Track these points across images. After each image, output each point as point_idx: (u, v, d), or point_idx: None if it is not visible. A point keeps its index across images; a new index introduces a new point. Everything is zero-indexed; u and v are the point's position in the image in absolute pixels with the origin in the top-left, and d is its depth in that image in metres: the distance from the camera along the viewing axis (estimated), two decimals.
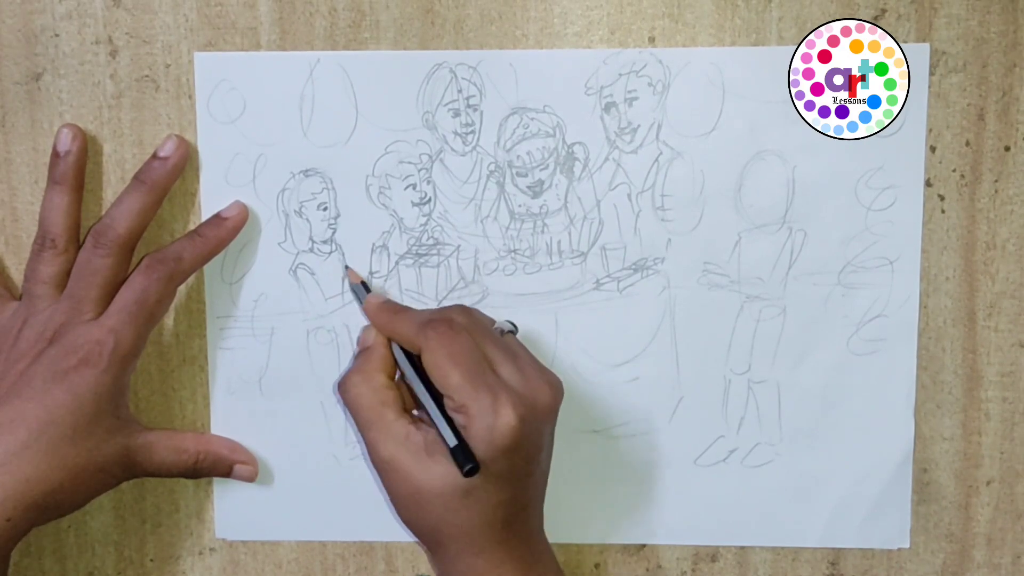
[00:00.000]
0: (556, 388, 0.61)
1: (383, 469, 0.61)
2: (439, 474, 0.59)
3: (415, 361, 0.62)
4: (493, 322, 0.65)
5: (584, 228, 0.67)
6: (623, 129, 0.66)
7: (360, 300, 0.67)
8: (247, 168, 0.67)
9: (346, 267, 0.68)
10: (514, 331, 0.65)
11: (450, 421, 0.60)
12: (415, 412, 0.64)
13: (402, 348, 0.64)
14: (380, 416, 0.62)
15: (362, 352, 0.65)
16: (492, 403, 0.58)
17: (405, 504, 0.61)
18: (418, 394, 0.62)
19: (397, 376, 0.65)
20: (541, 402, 0.60)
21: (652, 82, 0.66)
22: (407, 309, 0.65)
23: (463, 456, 0.58)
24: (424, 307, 0.68)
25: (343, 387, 0.64)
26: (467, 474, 0.58)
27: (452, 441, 0.59)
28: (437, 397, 0.61)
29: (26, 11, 0.66)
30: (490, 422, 0.58)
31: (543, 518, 0.65)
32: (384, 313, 0.65)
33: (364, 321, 0.67)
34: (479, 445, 0.58)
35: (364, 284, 0.67)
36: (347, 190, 0.67)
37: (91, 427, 0.62)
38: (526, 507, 0.62)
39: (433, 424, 0.60)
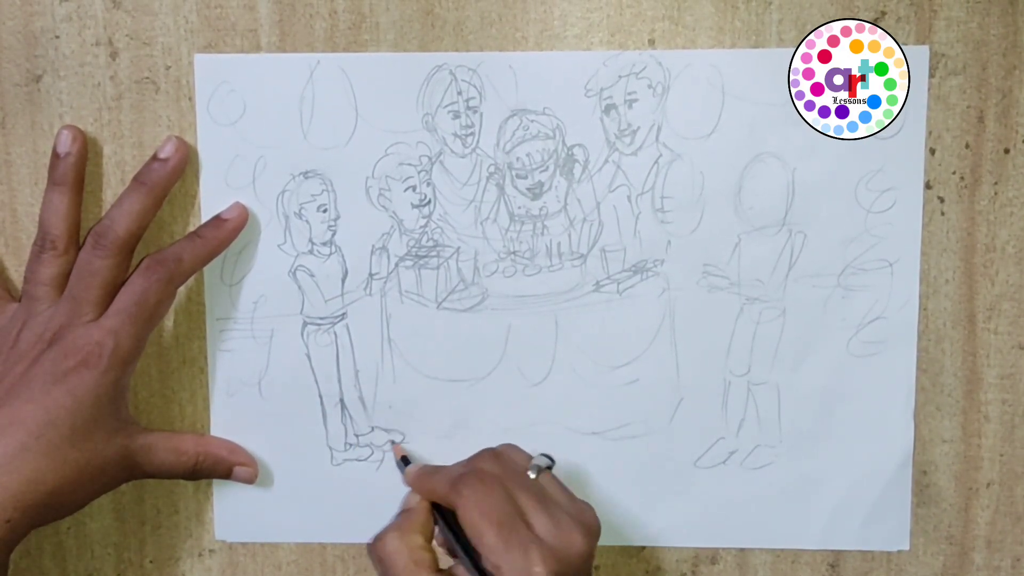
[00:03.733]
0: (591, 532, 0.61)
1: None
2: None
3: (455, 521, 0.62)
4: (529, 458, 0.64)
5: (584, 230, 0.67)
6: (623, 131, 0.66)
7: (401, 471, 0.67)
8: (247, 170, 0.67)
9: (391, 441, 0.69)
10: (550, 466, 0.64)
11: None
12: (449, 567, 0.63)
13: (442, 510, 0.63)
14: (414, 575, 0.61)
15: (402, 513, 0.65)
16: (524, 563, 0.58)
17: None
18: (458, 552, 0.61)
19: (434, 541, 0.64)
20: (575, 551, 0.59)
21: (652, 84, 0.66)
22: (443, 468, 0.65)
23: None
24: (424, 309, 0.68)
25: (380, 542, 0.62)
26: None
27: None
28: (475, 553, 0.60)
29: (26, 13, 0.66)
30: None
31: None
32: (422, 477, 0.65)
33: (366, 333, 0.68)
34: None
35: (405, 458, 0.68)
36: (347, 192, 0.67)
37: (91, 428, 0.62)
38: None
39: None
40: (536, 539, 0.59)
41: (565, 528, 0.60)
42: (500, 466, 0.62)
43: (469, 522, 0.60)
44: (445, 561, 0.63)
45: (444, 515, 0.63)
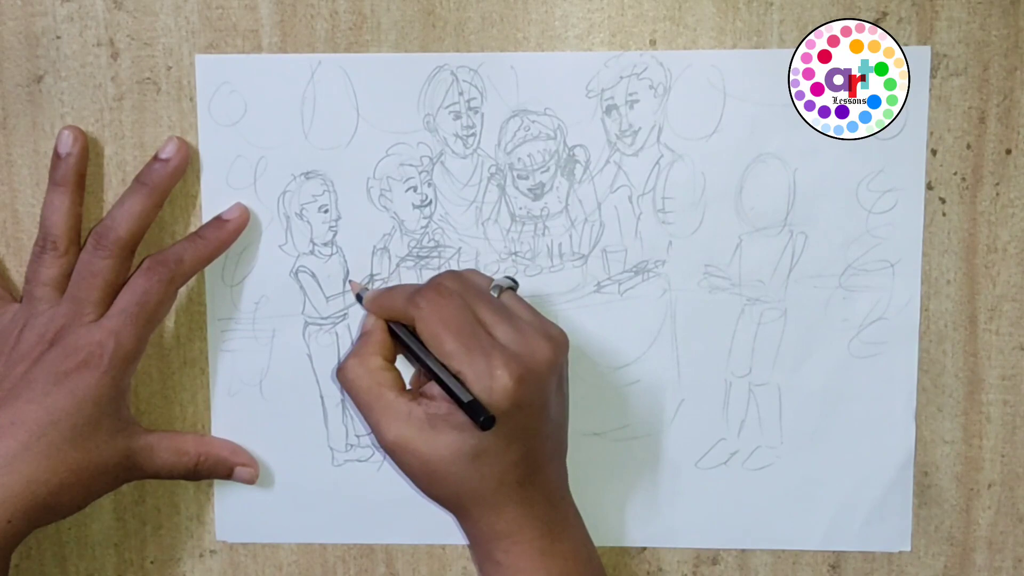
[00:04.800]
0: (556, 341, 0.61)
1: (391, 449, 0.61)
2: (445, 443, 0.59)
3: (415, 334, 0.62)
4: (490, 281, 0.64)
5: (585, 231, 0.67)
6: (624, 132, 0.66)
7: (360, 302, 0.67)
8: (248, 170, 0.67)
9: (350, 281, 0.68)
10: (514, 287, 0.64)
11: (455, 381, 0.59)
12: (413, 389, 0.63)
13: (404, 325, 0.63)
14: (379, 396, 0.61)
15: (360, 337, 0.65)
16: (487, 366, 0.58)
17: (419, 478, 0.61)
18: (424, 360, 0.61)
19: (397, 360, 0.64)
20: (539, 358, 0.59)
21: (653, 85, 0.66)
22: (400, 286, 0.66)
23: (477, 409, 0.57)
24: None
25: (341, 373, 0.63)
26: (483, 426, 0.57)
27: (467, 397, 0.58)
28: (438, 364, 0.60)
29: (28, 13, 0.66)
30: (486, 385, 0.58)
31: (567, 475, 0.64)
32: (379, 297, 0.65)
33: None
34: None
35: (359, 296, 0.67)
36: (348, 192, 0.67)
37: (92, 429, 0.62)
38: (541, 465, 0.62)
39: (445, 391, 0.59)
40: (498, 344, 0.59)
41: (529, 336, 0.60)
42: (460, 283, 0.62)
43: (428, 332, 0.60)
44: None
45: (404, 333, 0.63)
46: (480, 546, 0.62)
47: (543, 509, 0.62)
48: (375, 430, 0.61)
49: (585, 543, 0.64)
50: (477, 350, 0.59)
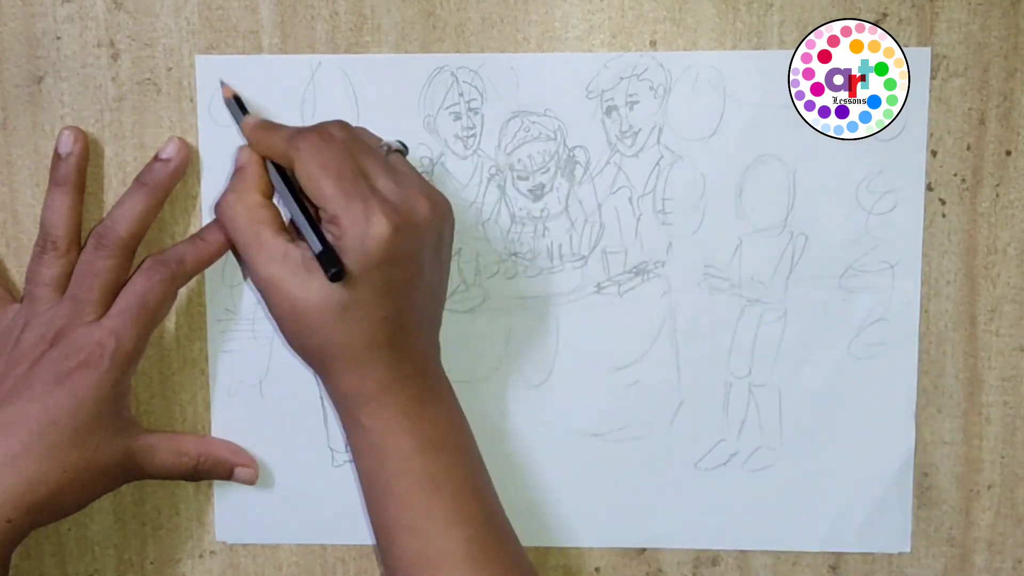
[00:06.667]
0: (436, 203, 0.60)
1: (263, 288, 0.60)
2: (316, 289, 0.58)
3: (288, 177, 0.61)
4: (379, 140, 0.64)
5: (585, 231, 0.67)
6: (624, 133, 0.66)
7: (236, 119, 0.65)
8: None
9: (221, 82, 0.66)
10: (403, 151, 0.64)
11: (319, 231, 0.58)
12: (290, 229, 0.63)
13: (276, 165, 0.62)
14: (256, 235, 0.60)
15: (237, 171, 0.64)
16: (364, 212, 0.57)
17: (287, 323, 0.60)
18: (287, 206, 0.60)
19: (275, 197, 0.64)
20: (418, 214, 0.59)
21: (653, 86, 0.66)
22: (282, 125, 0.64)
23: (329, 261, 0.57)
24: None
25: (219, 207, 0.62)
26: (333, 278, 0.57)
27: (317, 247, 0.58)
28: (310, 210, 0.60)
29: (28, 14, 0.66)
30: (362, 231, 0.57)
31: (439, 350, 0.64)
32: (259, 130, 0.64)
33: None
34: (353, 256, 0.57)
35: (238, 100, 0.66)
36: None
37: (92, 429, 0.62)
38: (412, 327, 0.61)
39: (303, 237, 0.59)
40: (378, 194, 0.58)
41: (410, 191, 0.59)
42: (347, 133, 0.61)
43: (307, 175, 0.59)
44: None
45: (281, 171, 0.62)
46: (345, 409, 0.61)
47: (412, 374, 0.60)
48: (249, 266, 0.61)
49: (456, 412, 0.62)
50: (356, 196, 0.58)
